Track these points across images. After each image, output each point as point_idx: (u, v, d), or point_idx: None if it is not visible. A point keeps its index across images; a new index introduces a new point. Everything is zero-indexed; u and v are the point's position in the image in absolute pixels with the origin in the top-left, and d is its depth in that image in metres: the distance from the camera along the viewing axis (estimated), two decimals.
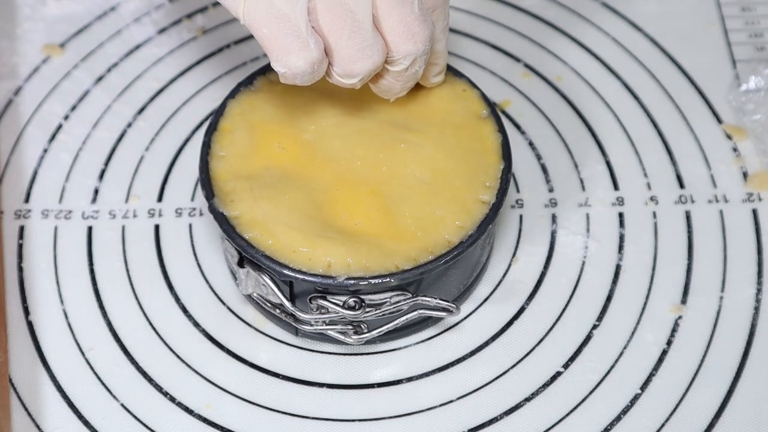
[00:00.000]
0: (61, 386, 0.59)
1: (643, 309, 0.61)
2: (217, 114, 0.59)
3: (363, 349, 0.60)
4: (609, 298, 0.61)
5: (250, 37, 0.71)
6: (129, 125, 0.68)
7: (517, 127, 0.68)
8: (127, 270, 0.63)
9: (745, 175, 0.66)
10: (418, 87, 0.60)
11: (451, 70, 0.61)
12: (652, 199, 0.65)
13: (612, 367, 0.59)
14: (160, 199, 0.65)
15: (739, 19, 0.72)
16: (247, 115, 0.59)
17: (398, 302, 0.55)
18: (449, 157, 0.58)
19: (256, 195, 0.56)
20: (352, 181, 0.57)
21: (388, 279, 0.54)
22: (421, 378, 0.59)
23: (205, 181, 0.57)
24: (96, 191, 0.65)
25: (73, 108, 0.69)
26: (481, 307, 0.61)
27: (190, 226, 0.64)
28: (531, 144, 0.67)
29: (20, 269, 0.62)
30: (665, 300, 0.61)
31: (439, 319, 0.60)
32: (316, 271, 0.54)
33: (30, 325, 0.60)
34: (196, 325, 0.61)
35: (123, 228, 0.64)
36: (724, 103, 0.69)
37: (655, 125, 0.68)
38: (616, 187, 0.66)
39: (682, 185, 0.66)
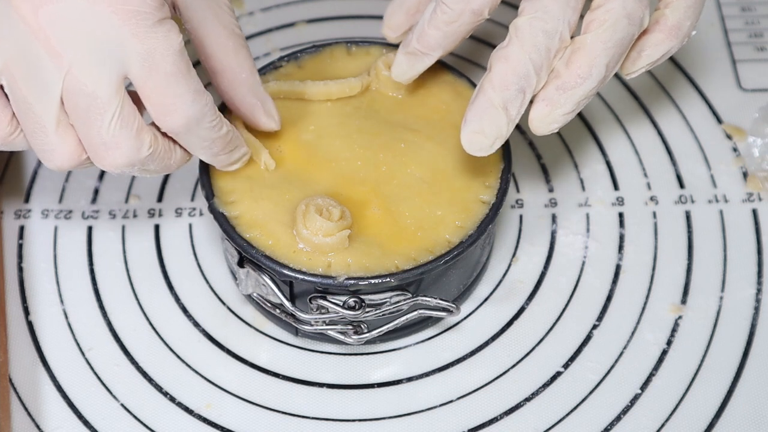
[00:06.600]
0: (61, 386, 0.59)
1: (643, 309, 0.61)
2: None
3: (363, 349, 0.60)
4: (609, 298, 0.61)
5: (251, 37, 0.71)
6: None
7: (517, 127, 0.68)
8: (127, 270, 0.62)
9: (745, 175, 0.66)
10: (417, 87, 0.60)
11: (451, 70, 0.61)
12: (652, 199, 0.65)
13: (612, 367, 0.59)
14: (160, 199, 0.65)
15: (739, 19, 0.72)
16: None
17: (398, 302, 0.55)
18: (449, 157, 0.58)
19: (256, 195, 0.56)
20: (352, 181, 0.57)
21: (388, 279, 0.54)
22: (421, 378, 0.59)
23: (205, 181, 0.57)
24: (96, 191, 0.65)
25: None
26: (481, 307, 0.61)
27: (190, 226, 0.64)
28: (531, 144, 0.67)
29: (20, 269, 0.62)
30: (665, 300, 0.61)
31: (439, 319, 0.60)
32: (316, 271, 0.54)
33: (30, 325, 0.60)
34: (196, 325, 0.61)
35: (123, 228, 0.64)
36: (724, 103, 0.69)
37: (655, 125, 0.68)
38: (616, 187, 0.65)
39: (682, 185, 0.65)
